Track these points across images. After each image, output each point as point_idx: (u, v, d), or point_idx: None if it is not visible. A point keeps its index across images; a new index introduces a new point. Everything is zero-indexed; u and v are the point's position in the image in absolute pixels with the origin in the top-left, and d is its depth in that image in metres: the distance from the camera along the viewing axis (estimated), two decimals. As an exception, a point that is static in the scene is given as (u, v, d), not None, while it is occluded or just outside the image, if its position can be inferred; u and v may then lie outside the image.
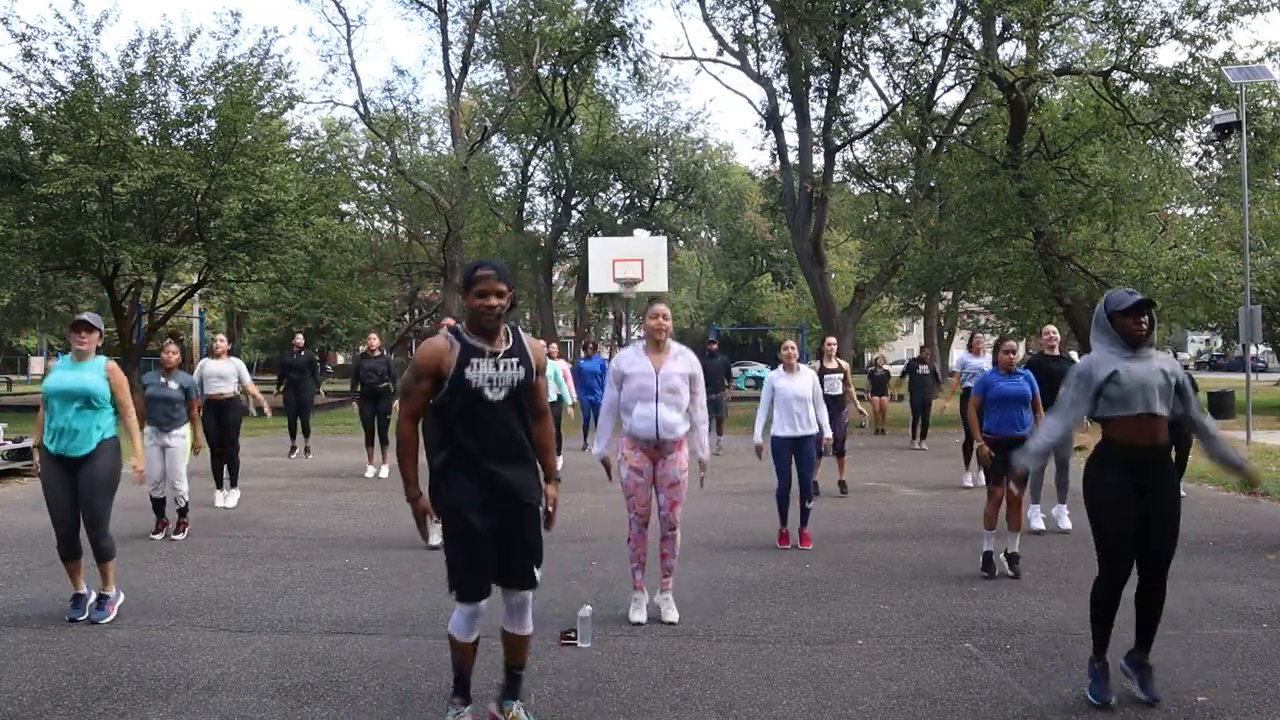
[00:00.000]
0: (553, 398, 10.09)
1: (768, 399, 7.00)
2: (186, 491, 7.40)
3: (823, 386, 8.99)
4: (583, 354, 14.57)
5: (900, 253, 22.89)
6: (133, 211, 19.91)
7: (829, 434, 7.17)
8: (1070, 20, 18.73)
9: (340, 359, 57.31)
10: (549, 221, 38.15)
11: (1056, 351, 7.79)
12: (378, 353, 10.95)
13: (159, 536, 7.28)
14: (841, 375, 9.39)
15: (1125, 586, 3.83)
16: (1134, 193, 18.70)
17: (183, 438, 7.36)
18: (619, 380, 5.06)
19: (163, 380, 7.34)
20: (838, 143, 23.38)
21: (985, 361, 9.99)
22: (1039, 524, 7.49)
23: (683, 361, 5.03)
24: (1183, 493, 8.84)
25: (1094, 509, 3.84)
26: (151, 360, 28.82)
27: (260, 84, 19.79)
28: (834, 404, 9.39)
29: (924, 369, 14.67)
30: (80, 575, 5.07)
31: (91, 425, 4.94)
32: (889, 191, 26.34)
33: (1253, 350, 15.40)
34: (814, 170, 22.92)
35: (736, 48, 23.89)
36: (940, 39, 20.23)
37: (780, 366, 7.09)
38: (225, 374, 8.98)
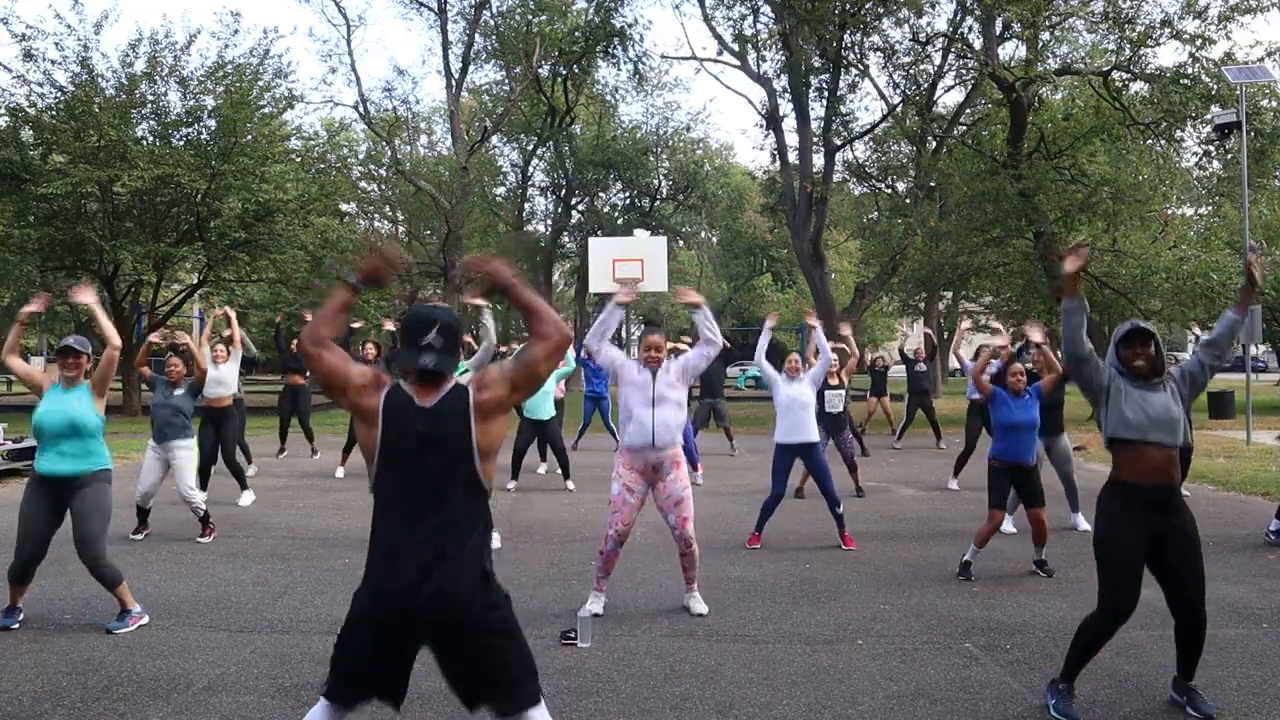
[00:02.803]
0: (552, 411, 10.04)
1: (774, 376, 7.03)
2: (202, 501, 7.28)
3: (823, 404, 8.94)
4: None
5: (900, 253, 22.90)
6: (133, 211, 19.93)
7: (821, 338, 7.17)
8: (1070, 20, 18.75)
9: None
10: (549, 221, 38.16)
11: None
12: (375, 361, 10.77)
13: (139, 538, 7.24)
14: (842, 392, 9.32)
15: (1122, 628, 3.71)
16: (1134, 193, 18.71)
17: (188, 449, 7.26)
18: (619, 369, 5.13)
19: (168, 389, 7.24)
20: (838, 143, 23.38)
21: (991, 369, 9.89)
22: (1011, 529, 7.50)
23: (675, 366, 5.16)
24: (1185, 493, 8.88)
25: (1097, 537, 3.77)
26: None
27: (260, 84, 19.81)
28: (834, 422, 9.30)
29: (921, 367, 14.54)
30: (21, 597, 4.94)
31: (83, 452, 4.83)
32: (889, 191, 26.35)
33: (1253, 350, 15.39)
34: (814, 170, 22.92)
35: (736, 48, 23.90)
36: (940, 39, 20.25)
37: (783, 373, 7.13)
38: (224, 379, 8.88)
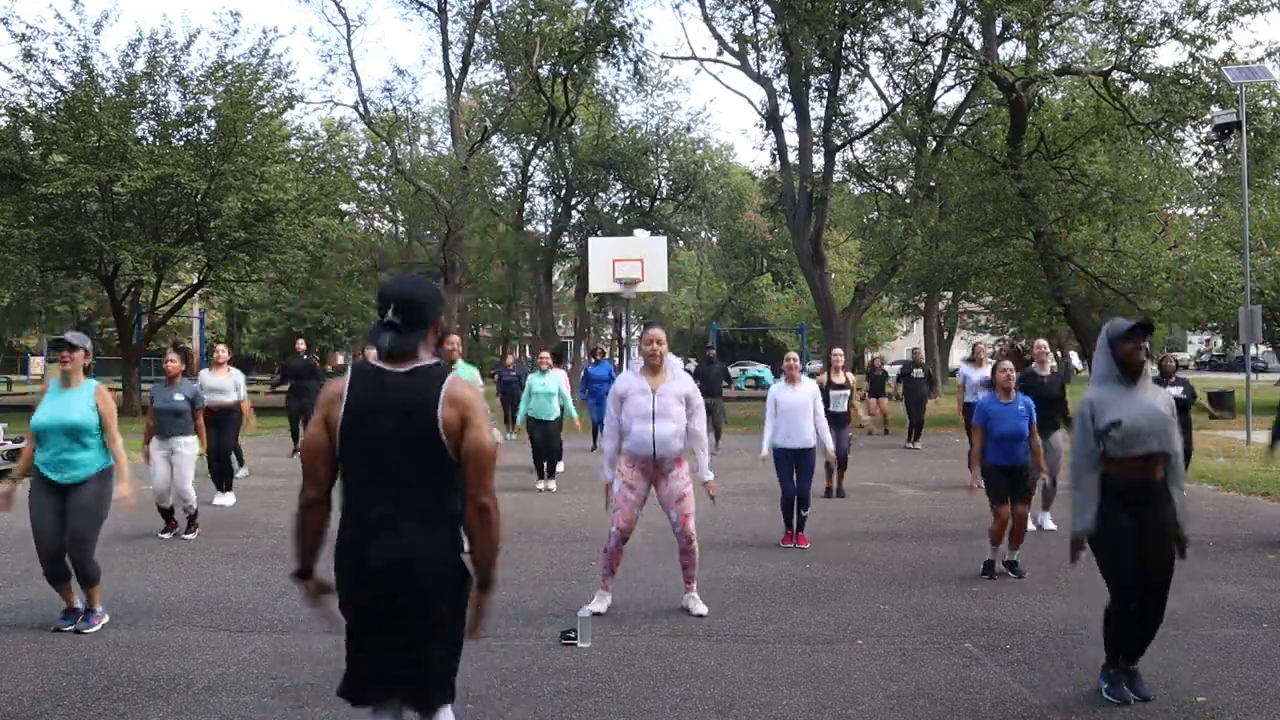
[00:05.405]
0: (557, 413, 10.13)
1: (771, 410, 7.21)
2: (195, 500, 7.34)
3: (828, 403, 8.97)
4: (591, 360, 14.58)
5: (900, 253, 22.88)
6: (133, 211, 19.93)
7: (830, 447, 7.36)
8: (1070, 20, 18.75)
9: (340, 359, 57.27)
10: (549, 221, 38.12)
11: (1045, 370, 7.81)
12: None
13: (168, 536, 7.31)
14: (847, 392, 9.37)
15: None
16: (1134, 193, 18.71)
17: (190, 446, 7.33)
18: (619, 403, 5.18)
19: (168, 391, 7.31)
20: (838, 143, 23.34)
21: (986, 373, 9.92)
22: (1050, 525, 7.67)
23: (679, 383, 5.18)
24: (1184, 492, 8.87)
25: (1095, 542, 3.86)
26: (152, 360, 28.82)
27: (260, 84, 19.81)
28: (838, 420, 9.35)
29: (918, 372, 14.91)
30: (72, 593, 4.91)
31: (83, 456, 4.81)
32: (889, 191, 26.33)
33: (1253, 350, 15.41)
34: (814, 170, 22.89)
35: (736, 48, 23.85)
36: (940, 39, 20.23)
37: (783, 378, 7.26)
38: (224, 389, 9.00)
